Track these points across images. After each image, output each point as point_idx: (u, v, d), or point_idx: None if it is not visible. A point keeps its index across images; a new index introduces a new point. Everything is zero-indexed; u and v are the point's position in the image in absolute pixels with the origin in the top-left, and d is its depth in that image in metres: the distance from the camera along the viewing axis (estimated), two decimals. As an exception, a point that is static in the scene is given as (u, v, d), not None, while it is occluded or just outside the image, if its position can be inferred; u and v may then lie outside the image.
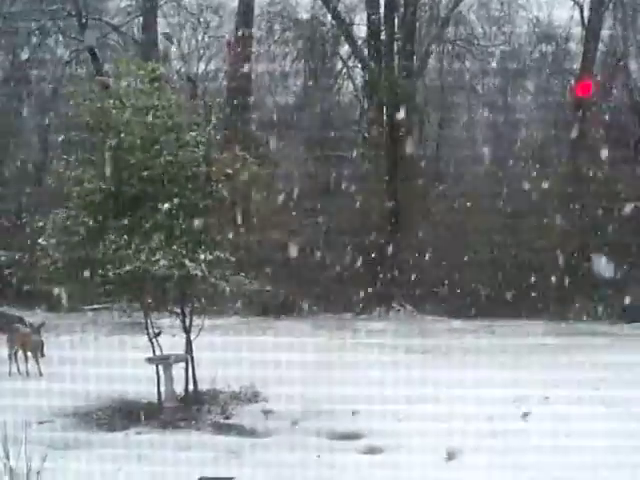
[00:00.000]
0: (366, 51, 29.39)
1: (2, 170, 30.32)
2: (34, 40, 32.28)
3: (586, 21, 28.63)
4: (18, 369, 16.07)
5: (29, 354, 16.10)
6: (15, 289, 21.88)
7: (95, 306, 19.97)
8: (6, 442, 8.38)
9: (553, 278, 23.27)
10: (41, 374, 15.73)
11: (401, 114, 27.11)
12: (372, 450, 11.37)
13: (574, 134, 27.11)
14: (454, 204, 26.64)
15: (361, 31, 30.14)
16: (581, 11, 28.82)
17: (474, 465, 10.31)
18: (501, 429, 11.51)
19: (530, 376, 14.65)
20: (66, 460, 10.37)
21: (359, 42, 29.86)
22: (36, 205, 21.30)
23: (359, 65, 30.46)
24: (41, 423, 12.54)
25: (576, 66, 29.42)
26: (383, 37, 28.40)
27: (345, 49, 31.18)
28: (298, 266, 25.53)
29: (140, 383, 13.49)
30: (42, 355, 16.50)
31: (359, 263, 25.72)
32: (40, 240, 12.94)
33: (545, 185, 24.78)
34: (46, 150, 30.63)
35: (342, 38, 30.32)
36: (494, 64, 31.59)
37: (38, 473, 8.30)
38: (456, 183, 27.60)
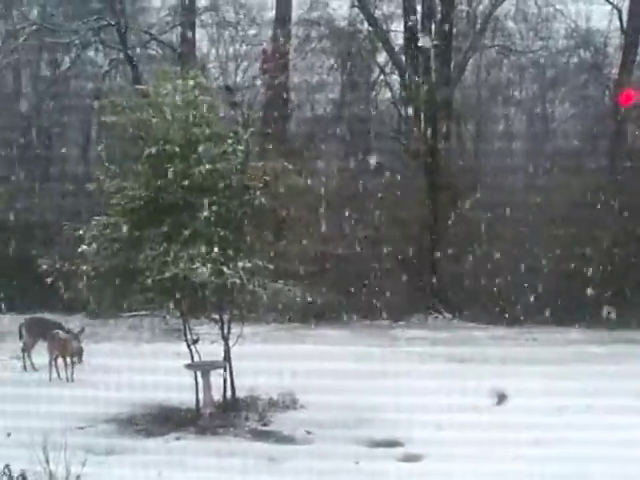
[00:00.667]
0: (403, 59, 29.35)
1: (43, 180, 30.56)
2: (74, 51, 32.53)
3: (625, 26, 28.38)
4: (58, 375, 16.22)
5: (69, 360, 16.27)
6: (56, 296, 22.04)
7: (134, 313, 20.07)
8: (46, 447, 8.46)
9: (594, 286, 23.14)
10: (72, 380, 16.01)
11: (439, 122, 27.13)
12: (411, 458, 11.37)
13: (613, 142, 26.99)
14: (492, 212, 26.51)
15: (398, 38, 30.15)
16: (620, 16, 28.55)
17: (515, 472, 10.27)
18: (543, 438, 11.48)
19: (573, 385, 14.50)
20: (105, 465, 10.46)
21: (396, 49, 29.82)
22: (76, 214, 21.45)
23: (396, 73, 30.41)
24: (81, 428, 12.66)
25: (614, 71, 29.14)
26: (420, 44, 28.34)
27: (382, 57, 31.15)
28: (336, 274, 25.54)
29: (179, 390, 13.56)
30: (80, 361, 16.65)
31: (397, 271, 25.71)
32: (80, 248, 13.04)
33: (584, 194, 24.66)
34: (86, 159, 30.81)
35: (379, 46, 30.27)
36: (531, 71, 31.44)
37: (77, 478, 8.38)
38: (494, 191, 27.42)
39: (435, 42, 27.95)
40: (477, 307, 24.69)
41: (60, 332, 16.95)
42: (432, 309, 25.72)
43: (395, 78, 31.08)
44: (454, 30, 28.82)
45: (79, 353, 16.57)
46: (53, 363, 16.33)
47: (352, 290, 25.01)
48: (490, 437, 11.43)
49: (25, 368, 17.32)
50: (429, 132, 27.32)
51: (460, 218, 26.73)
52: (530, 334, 22.19)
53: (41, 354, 17.09)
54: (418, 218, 26.80)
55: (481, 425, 11.98)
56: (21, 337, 17.71)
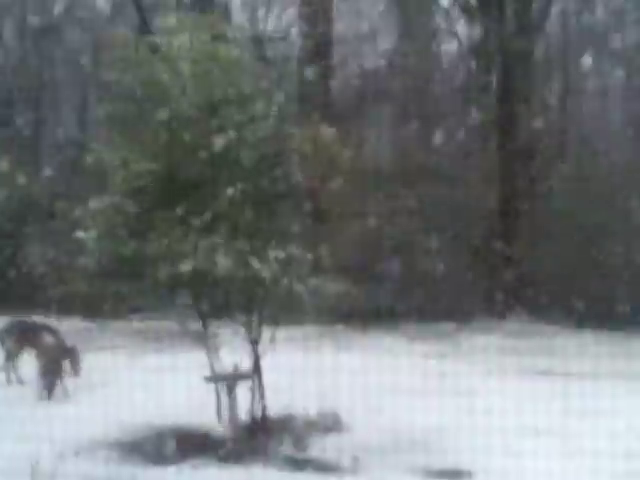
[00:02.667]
0: (472, 0, 29.28)
1: (34, 150, 30.76)
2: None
3: None
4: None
5: (63, 372, 16.43)
6: (48, 293, 22.27)
7: (143, 313, 20.25)
8: (36, 477, 8.55)
9: None
10: (67, 395, 16.17)
11: (516, 80, 27.03)
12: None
13: None
14: (582, 193, 26.38)
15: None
16: None
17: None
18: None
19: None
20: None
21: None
22: (72, 192, 21.62)
23: (464, 19, 30.33)
24: (77, 454, 12.76)
25: None
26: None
27: (446, -1, 31.09)
28: (388, 267, 25.58)
29: (196, 407, 13.65)
30: (77, 374, 16.79)
31: (464, 265, 25.70)
32: (77, 234, 13.12)
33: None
34: (84, 125, 31.02)
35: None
36: (632, 15, 31.19)
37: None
38: (584, 167, 27.27)
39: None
40: (561, 308, 24.56)
41: (50, 337, 17.12)
42: (506, 310, 25.68)
43: (462, 25, 30.99)
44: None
45: (75, 363, 16.72)
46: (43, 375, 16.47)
47: (409, 287, 25.04)
48: (575, 466, 11.42)
49: (9, 381, 17.48)
50: (504, 90, 27.25)
51: (542, 200, 26.66)
52: (627, 341, 22.06)
53: (30, 364, 17.22)
54: (490, 200, 26.75)
55: (562, 452, 11.95)
56: (3, 344, 17.87)
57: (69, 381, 16.43)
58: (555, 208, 26.34)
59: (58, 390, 16.32)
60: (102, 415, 13.81)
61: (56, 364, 16.46)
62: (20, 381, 17.38)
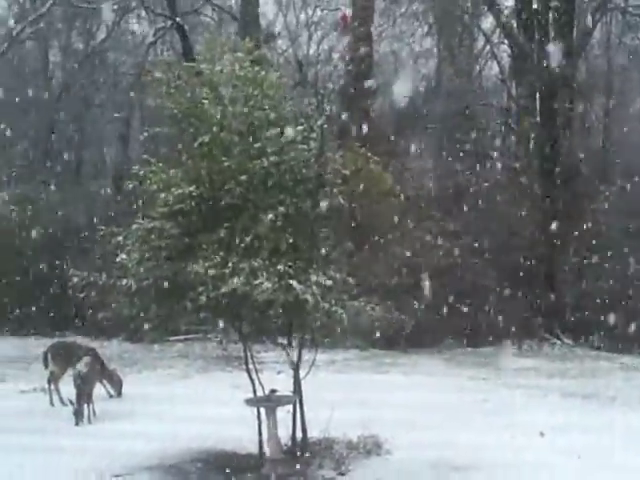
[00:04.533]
0: (514, 24, 29.21)
1: (76, 172, 30.86)
2: (112, 18, 32.87)
3: None
4: (93, 410, 16.25)
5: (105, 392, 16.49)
6: (89, 316, 22.34)
7: (185, 336, 20.26)
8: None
9: None
10: (95, 414, 16.12)
11: (558, 102, 26.94)
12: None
13: None
14: (627, 215, 26.19)
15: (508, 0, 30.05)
16: None
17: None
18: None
19: None
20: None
21: (506, 13, 29.67)
22: (114, 215, 21.69)
23: (505, 42, 30.28)
24: (117, 476, 12.78)
25: None
26: (535, 6, 28.18)
27: (488, 22, 31.04)
28: (430, 290, 25.50)
29: (238, 429, 13.61)
30: (119, 394, 16.86)
31: (506, 287, 25.57)
32: (119, 257, 13.15)
33: None
34: (126, 149, 31.13)
35: (484, 9, 30.17)
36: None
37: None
38: (629, 188, 27.11)
39: (555, 2, 27.77)
40: (605, 332, 24.39)
41: (91, 358, 17.11)
42: (549, 333, 25.55)
43: (504, 48, 30.95)
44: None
45: (117, 385, 16.76)
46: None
47: (450, 310, 24.93)
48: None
49: (52, 402, 17.53)
50: (546, 112, 27.15)
51: (586, 223, 26.51)
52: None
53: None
54: (533, 222, 26.63)
55: (609, 473, 11.89)
56: (46, 365, 17.94)
57: (111, 402, 16.45)
58: (598, 234, 26.17)
59: (103, 411, 16.30)
60: (143, 435, 13.86)
61: (89, 389, 16.38)
62: (62, 402, 17.36)
